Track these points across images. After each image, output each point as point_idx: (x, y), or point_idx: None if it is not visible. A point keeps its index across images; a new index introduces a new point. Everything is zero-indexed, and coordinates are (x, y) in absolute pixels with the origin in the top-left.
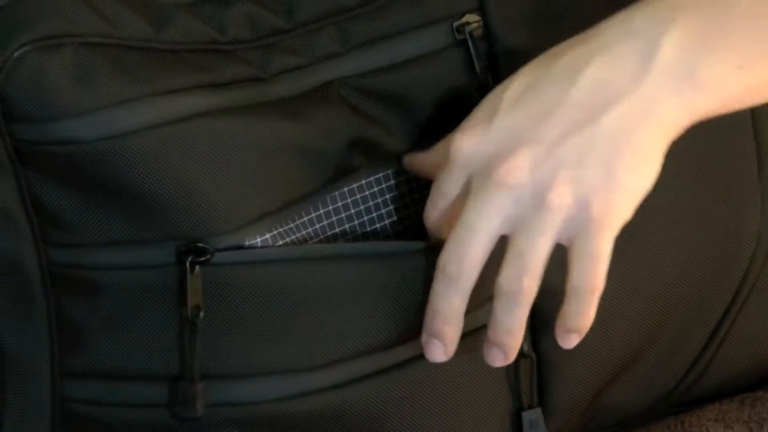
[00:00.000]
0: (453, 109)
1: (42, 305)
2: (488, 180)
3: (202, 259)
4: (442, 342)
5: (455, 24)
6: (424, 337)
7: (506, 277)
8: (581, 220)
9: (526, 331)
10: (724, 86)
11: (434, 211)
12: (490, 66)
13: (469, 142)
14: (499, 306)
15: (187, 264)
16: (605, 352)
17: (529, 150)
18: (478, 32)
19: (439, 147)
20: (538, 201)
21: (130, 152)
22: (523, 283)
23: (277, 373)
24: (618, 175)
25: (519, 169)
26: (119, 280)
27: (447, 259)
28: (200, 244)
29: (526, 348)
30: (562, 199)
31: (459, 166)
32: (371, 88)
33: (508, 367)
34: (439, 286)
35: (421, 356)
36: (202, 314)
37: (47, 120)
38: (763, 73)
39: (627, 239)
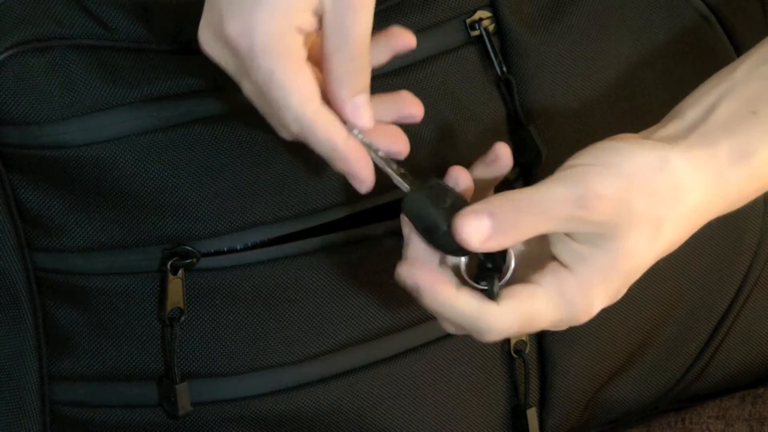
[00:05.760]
0: (472, 106)
1: (28, 310)
2: (571, 324)
3: (187, 261)
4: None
5: (468, 21)
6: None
7: (511, 334)
8: None
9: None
10: None
11: (511, 329)
12: (504, 59)
13: (601, 308)
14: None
15: (168, 267)
16: (607, 347)
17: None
18: (491, 27)
19: (568, 290)
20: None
21: (115, 159)
22: (499, 339)
23: (264, 368)
24: None
25: None
26: (105, 285)
27: (487, 337)
28: (186, 247)
29: (528, 347)
30: None
31: (577, 322)
32: (392, 90)
33: (504, 364)
34: (465, 325)
35: (412, 350)
36: (183, 317)
37: (33, 123)
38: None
39: None
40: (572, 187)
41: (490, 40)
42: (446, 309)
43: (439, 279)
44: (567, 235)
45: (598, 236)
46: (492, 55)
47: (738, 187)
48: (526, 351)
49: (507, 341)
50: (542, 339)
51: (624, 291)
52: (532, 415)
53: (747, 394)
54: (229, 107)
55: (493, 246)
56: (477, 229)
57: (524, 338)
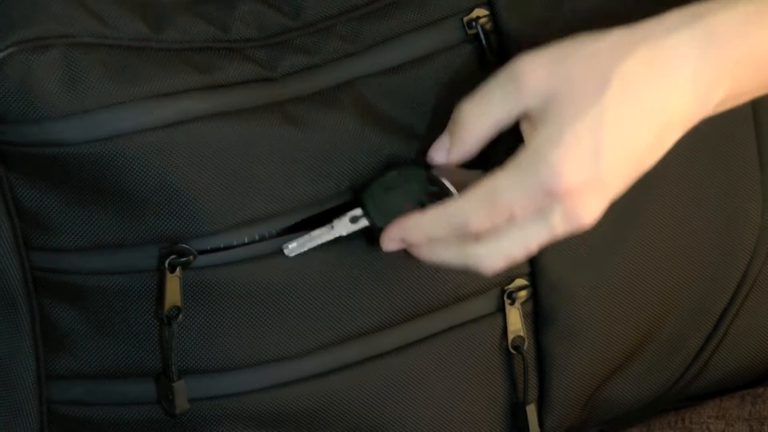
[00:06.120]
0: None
1: (25, 310)
2: (565, 220)
3: (183, 259)
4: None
5: (465, 19)
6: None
7: (504, 248)
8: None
9: (529, 326)
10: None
11: (484, 217)
12: (501, 59)
13: (572, 175)
14: (468, 257)
15: (166, 265)
16: (605, 345)
17: (606, 197)
18: (488, 26)
19: (523, 159)
20: (573, 226)
21: (115, 156)
22: (500, 263)
23: (262, 363)
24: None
25: (594, 218)
26: (103, 284)
27: (488, 264)
28: (182, 245)
29: (526, 344)
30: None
31: (552, 202)
32: (388, 86)
33: (503, 360)
34: (454, 261)
35: (411, 344)
36: (181, 316)
37: (32, 121)
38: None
39: (629, 235)
40: (505, 73)
41: (486, 38)
42: (421, 225)
43: (405, 216)
44: (526, 117)
45: (543, 107)
46: (488, 53)
47: (696, 45)
48: (525, 347)
49: (505, 337)
50: (540, 336)
51: (607, 150)
52: (531, 411)
53: (747, 393)
54: (228, 105)
55: (459, 155)
56: (440, 149)
57: (522, 334)
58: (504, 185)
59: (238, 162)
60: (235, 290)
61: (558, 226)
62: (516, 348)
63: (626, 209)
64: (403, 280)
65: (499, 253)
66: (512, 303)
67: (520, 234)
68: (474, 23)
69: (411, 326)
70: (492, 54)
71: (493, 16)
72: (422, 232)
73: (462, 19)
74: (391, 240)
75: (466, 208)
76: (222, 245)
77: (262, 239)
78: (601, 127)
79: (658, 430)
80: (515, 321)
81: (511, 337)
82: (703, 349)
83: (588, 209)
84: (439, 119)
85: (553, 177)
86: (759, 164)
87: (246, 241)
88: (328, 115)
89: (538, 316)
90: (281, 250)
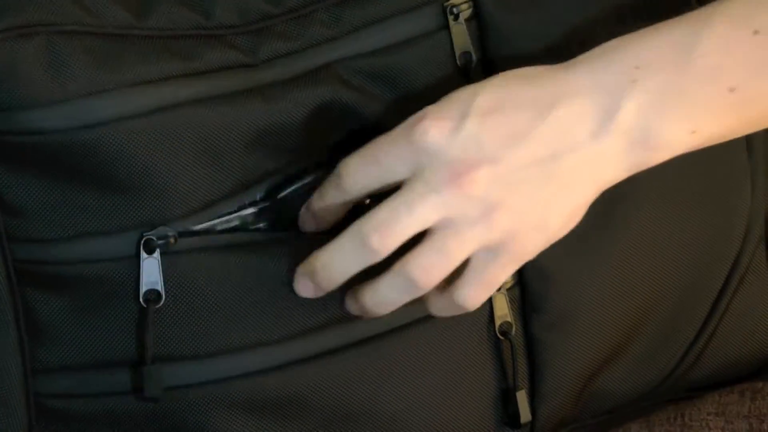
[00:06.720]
0: (441, 92)
1: (8, 304)
2: (445, 179)
3: (161, 241)
4: (317, 285)
5: (446, 5)
6: (300, 270)
7: (419, 264)
8: (502, 247)
9: (516, 312)
10: (675, 148)
11: (359, 170)
12: (480, 46)
13: (437, 133)
14: (391, 282)
15: (141, 245)
16: (596, 333)
17: (492, 167)
18: (468, 13)
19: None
20: (482, 215)
21: (98, 144)
22: (432, 276)
23: (244, 348)
24: (552, 220)
25: (478, 182)
26: (86, 273)
27: (373, 228)
28: (163, 227)
29: (514, 329)
30: (503, 221)
31: (417, 149)
32: (366, 69)
33: (491, 346)
34: (348, 244)
35: (391, 331)
36: (164, 299)
37: (15, 109)
38: (712, 134)
39: (617, 220)
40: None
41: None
42: (319, 191)
43: None
44: None
45: None
46: (467, 41)
47: (594, 55)
48: (512, 333)
49: (492, 323)
50: (529, 323)
51: (479, 112)
52: (521, 397)
53: (746, 389)
54: (209, 91)
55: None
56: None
57: (509, 319)
58: (381, 138)
59: (219, 145)
60: (215, 276)
61: (436, 183)
62: (504, 333)
63: (615, 196)
64: (382, 266)
65: (385, 220)
66: (498, 289)
67: (402, 196)
68: (454, 9)
69: (393, 312)
70: (468, 42)
71: (474, 2)
72: (319, 197)
73: (443, 5)
74: (305, 221)
75: (349, 164)
76: (200, 227)
77: (240, 228)
78: (477, 94)
79: (657, 426)
80: (502, 306)
81: (498, 322)
82: (698, 338)
83: (463, 166)
84: (416, 106)
85: (414, 124)
86: (746, 149)
87: (217, 227)
88: (305, 93)
89: (525, 303)
90: (259, 238)
